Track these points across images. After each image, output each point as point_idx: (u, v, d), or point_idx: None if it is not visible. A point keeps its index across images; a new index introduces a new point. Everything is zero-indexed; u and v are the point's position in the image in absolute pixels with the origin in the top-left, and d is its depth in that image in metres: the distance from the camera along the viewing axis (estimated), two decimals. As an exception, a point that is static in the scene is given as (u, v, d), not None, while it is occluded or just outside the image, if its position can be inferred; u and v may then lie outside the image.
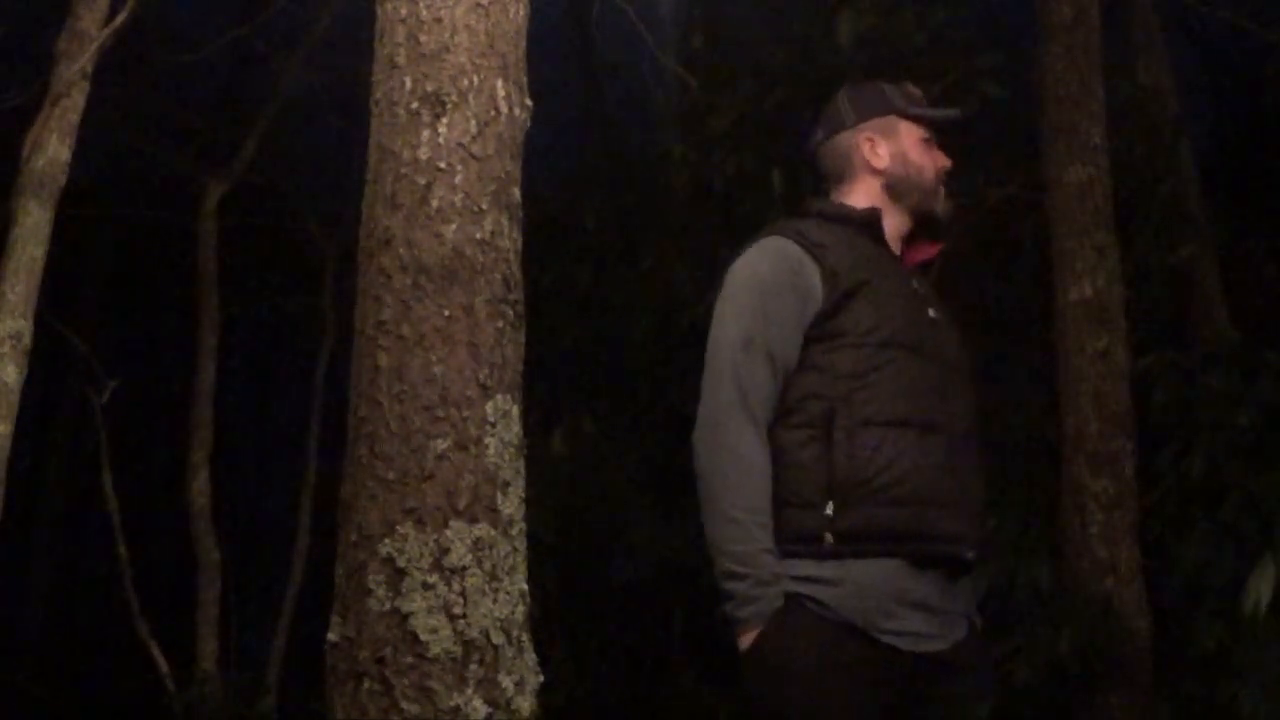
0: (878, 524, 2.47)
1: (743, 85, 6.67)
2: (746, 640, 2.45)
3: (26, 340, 4.26)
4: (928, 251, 2.82)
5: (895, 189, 2.79)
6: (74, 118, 4.53)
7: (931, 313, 2.71)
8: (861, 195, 2.81)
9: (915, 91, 2.88)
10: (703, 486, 2.53)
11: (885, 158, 2.80)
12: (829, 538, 2.47)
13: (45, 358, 5.39)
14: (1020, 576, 5.02)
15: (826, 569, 2.46)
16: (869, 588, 2.46)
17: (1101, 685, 4.87)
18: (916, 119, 2.82)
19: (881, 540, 2.48)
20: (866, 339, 2.55)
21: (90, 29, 4.62)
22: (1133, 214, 6.19)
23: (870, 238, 2.72)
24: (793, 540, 2.48)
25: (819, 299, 2.57)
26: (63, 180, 4.48)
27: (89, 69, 4.58)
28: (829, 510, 2.47)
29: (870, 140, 2.82)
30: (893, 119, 2.82)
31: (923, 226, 2.85)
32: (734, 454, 2.49)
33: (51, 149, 4.45)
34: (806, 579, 2.46)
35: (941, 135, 2.88)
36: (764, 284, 2.60)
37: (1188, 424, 5.42)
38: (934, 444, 2.54)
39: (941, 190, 2.81)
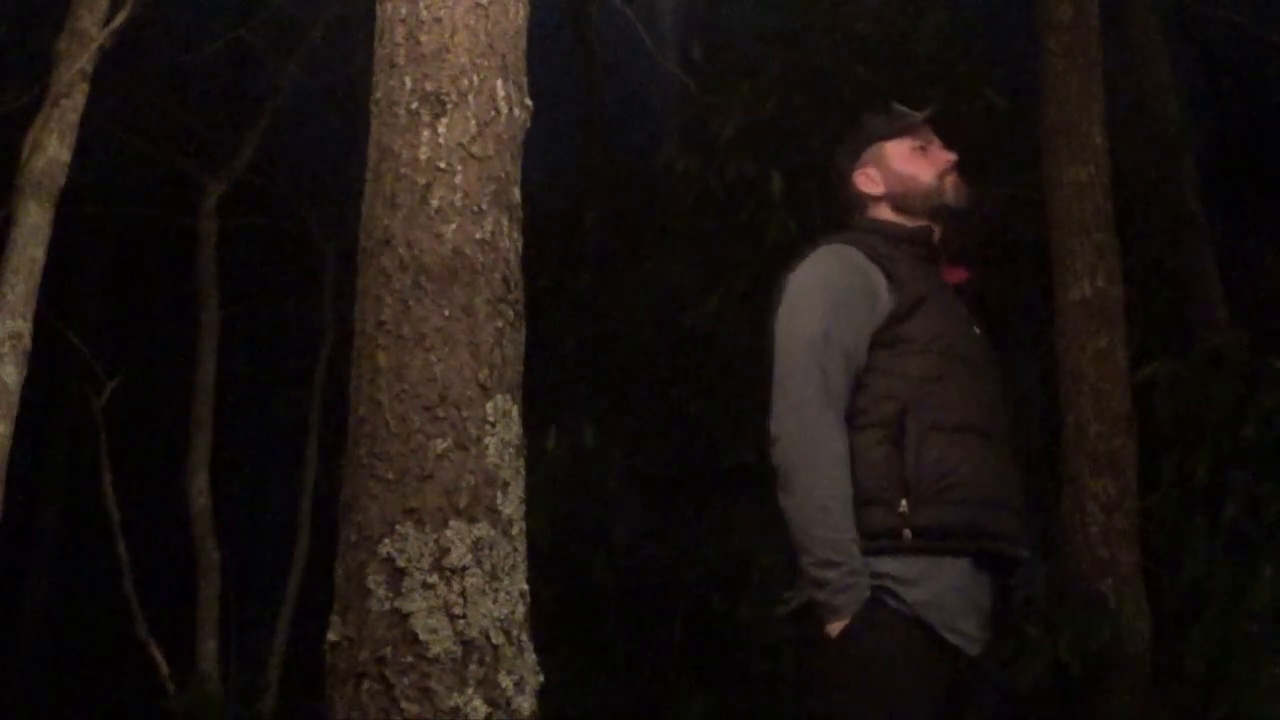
0: (950, 521, 2.58)
1: (742, 89, 6.67)
2: (837, 628, 2.51)
3: (26, 340, 4.25)
4: (958, 275, 2.93)
5: (900, 205, 2.90)
6: (74, 118, 4.53)
7: (975, 329, 2.85)
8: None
9: (899, 110, 3.00)
10: (789, 478, 2.58)
11: (880, 183, 2.93)
12: (908, 533, 2.55)
13: (45, 358, 5.38)
14: (1017, 578, 5.01)
15: (908, 567, 2.55)
16: (945, 589, 2.56)
17: (1101, 687, 4.86)
18: (897, 134, 2.94)
19: (955, 537, 2.58)
20: (931, 346, 2.68)
21: (90, 29, 4.62)
22: (1133, 214, 6.19)
23: (922, 255, 2.84)
24: (872, 537, 2.56)
25: (887, 304, 2.70)
26: (63, 180, 4.48)
27: (89, 69, 4.57)
28: (903, 507, 2.56)
29: (865, 174, 2.95)
30: (877, 145, 2.95)
31: (949, 229, 2.95)
32: (822, 444, 2.57)
33: (51, 149, 4.45)
34: (888, 575, 2.54)
35: (946, 136, 2.98)
36: (834, 285, 2.71)
37: (1191, 430, 5.42)
38: (989, 449, 2.68)
39: (948, 181, 2.89)
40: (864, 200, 2.93)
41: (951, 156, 2.91)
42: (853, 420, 2.62)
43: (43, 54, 4.92)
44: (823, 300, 2.69)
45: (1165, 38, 7.74)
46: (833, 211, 3.03)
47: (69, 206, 4.67)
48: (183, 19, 8.83)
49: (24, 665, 10.83)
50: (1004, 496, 2.66)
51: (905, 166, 2.91)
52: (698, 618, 6.82)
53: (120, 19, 4.70)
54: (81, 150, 4.63)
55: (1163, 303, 6.57)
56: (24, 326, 4.24)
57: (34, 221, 4.36)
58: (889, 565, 2.54)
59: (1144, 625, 4.97)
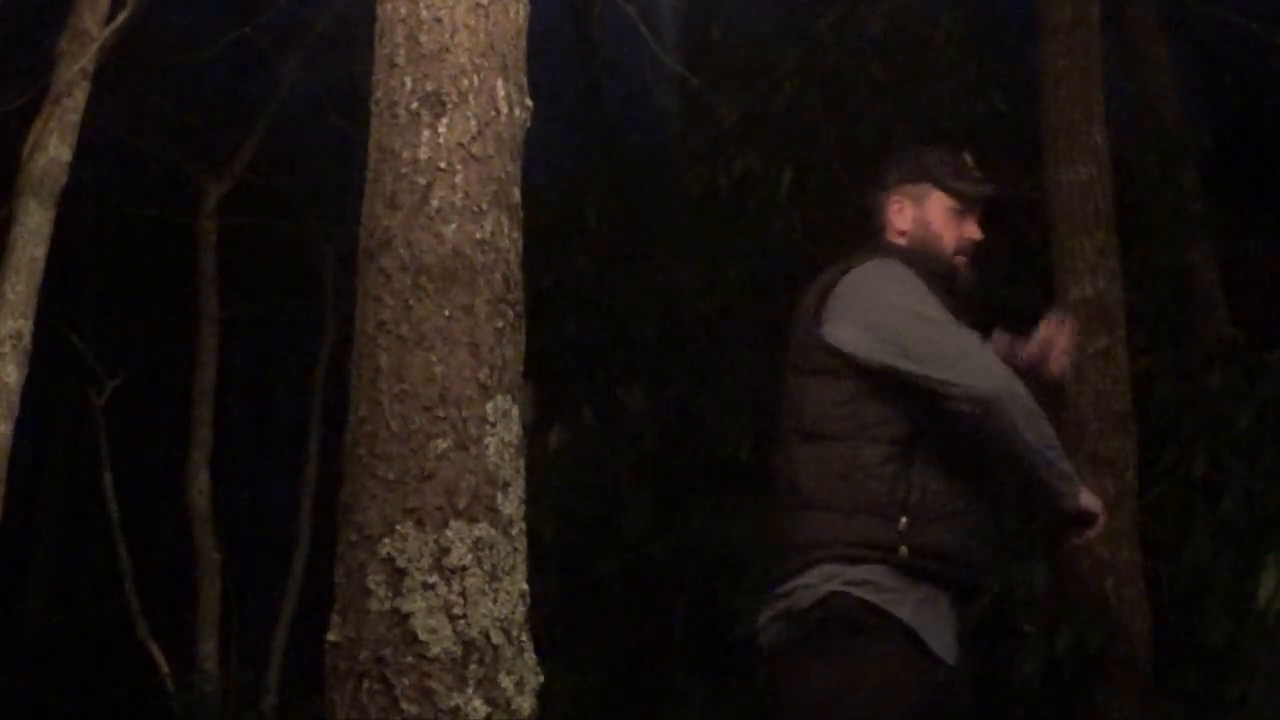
0: (942, 546, 2.63)
1: (754, 83, 6.67)
2: (1082, 502, 2.73)
3: (26, 340, 4.26)
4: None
5: (915, 251, 2.91)
6: (74, 118, 4.53)
7: None
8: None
9: (964, 161, 2.99)
10: (1023, 416, 2.65)
11: (909, 222, 2.94)
12: (904, 550, 2.61)
13: (45, 358, 5.38)
14: (1017, 577, 5.02)
15: (895, 579, 2.60)
16: (931, 605, 2.62)
17: (1100, 685, 4.87)
18: (950, 189, 2.93)
19: (943, 560, 2.64)
20: None
21: (90, 29, 4.62)
22: (1133, 214, 6.19)
23: (946, 287, 2.86)
24: (868, 545, 2.61)
25: None
26: (63, 180, 4.48)
27: (89, 69, 4.58)
28: (903, 524, 2.62)
29: (899, 203, 2.95)
30: (926, 186, 2.94)
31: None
32: (1005, 373, 2.67)
33: (52, 149, 4.45)
34: (876, 586, 2.58)
35: (983, 209, 2.98)
36: (911, 280, 2.76)
37: (1188, 423, 5.42)
38: (984, 480, 2.74)
39: (959, 260, 2.92)
40: (888, 226, 2.94)
41: (977, 237, 2.93)
42: (864, 433, 2.66)
43: (43, 54, 4.92)
44: (912, 288, 2.74)
45: (1165, 38, 7.74)
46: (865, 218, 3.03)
47: (69, 206, 4.67)
48: (183, 19, 8.84)
49: (24, 665, 10.82)
50: (988, 528, 2.75)
51: (937, 222, 2.91)
52: (698, 612, 6.83)
53: (121, 18, 4.71)
54: (81, 150, 4.63)
55: (1163, 303, 6.56)
56: (24, 326, 4.24)
57: (34, 221, 4.36)
58: (878, 574, 2.59)
59: (1144, 624, 4.97)
